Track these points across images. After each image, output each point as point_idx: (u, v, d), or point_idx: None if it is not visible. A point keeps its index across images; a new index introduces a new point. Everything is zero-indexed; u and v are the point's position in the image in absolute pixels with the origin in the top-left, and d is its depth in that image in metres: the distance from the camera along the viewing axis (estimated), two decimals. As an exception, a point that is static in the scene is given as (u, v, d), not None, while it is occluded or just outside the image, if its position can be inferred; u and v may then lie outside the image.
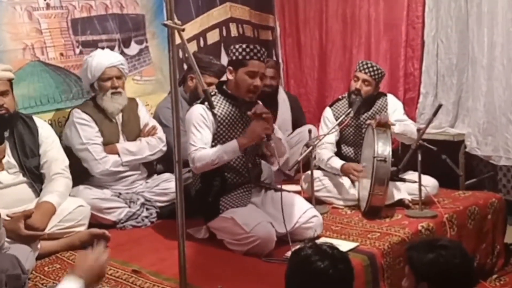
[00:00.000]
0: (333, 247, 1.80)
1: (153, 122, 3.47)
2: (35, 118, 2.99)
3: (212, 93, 2.87)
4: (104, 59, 3.23)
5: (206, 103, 2.82)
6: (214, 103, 2.82)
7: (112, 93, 3.23)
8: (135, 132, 3.39)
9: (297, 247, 1.86)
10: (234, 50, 2.84)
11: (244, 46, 2.83)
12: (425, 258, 1.84)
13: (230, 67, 2.85)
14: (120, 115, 3.34)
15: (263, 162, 3.09)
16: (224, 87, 2.89)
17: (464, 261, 1.85)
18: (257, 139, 2.73)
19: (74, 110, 3.24)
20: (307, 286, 1.74)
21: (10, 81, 2.83)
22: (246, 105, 2.86)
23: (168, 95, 3.64)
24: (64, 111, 3.39)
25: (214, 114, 2.81)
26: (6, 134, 2.81)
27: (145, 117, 3.46)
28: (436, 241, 1.94)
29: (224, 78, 3.17)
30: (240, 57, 2.80)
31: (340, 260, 1.75)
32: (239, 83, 2.81)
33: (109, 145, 3.26)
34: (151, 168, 3.51)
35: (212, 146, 2.79)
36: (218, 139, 2.82)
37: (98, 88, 3.25)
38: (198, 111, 2.80)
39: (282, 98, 4.15)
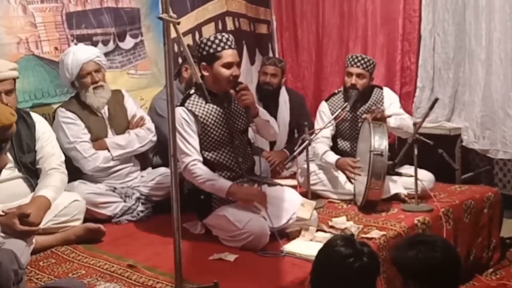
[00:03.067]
0: (363, 244, 1.80)
1: (141, 113, 3.44)
2: (32, 113, 2.98)
3: (191, 93, 2.82)
4: (79, 55, 3.16)
5: (186, 104, 2.77)
6: (194, 104, 2.77)
7: (94, 88, 3.18)
8: (123, 125, 3.36)
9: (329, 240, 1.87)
10: (202, 45, 2.75)
11: (211, 38, 2.75)
12: (406, 256, 1.83)
13: (204, 63, 2.76)
14: (106, 108, 3.30)
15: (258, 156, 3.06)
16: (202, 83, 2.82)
17: (446, 253, 1.82)
18: (246, 203, 2.68)
19: (59, 110, 3.20)
20: (331, 274, 1.73)
21: (14, 80, 2.83)
22: (227, 99, 2.84)
23: (164, 88, 3.63)
24: (58, 105, 3.37)
25: (195, 116, 2.76)
26: None
27: (132, 108, 3.42)
28: (415, 237, 1.94)
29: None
30: (211, 50, 2.73)
31: (366, 254, 1.74)
32: (217, 77, 2.75)
33: (98, 140, 3.23)
34: (144, 160, 3.49)
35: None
36: (203, 139, 2.78)
37: (79, 85, 3.20)
38: (180, 114, 2.72)
39: (284, 99, 4.05)
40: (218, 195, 2.76)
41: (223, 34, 2.79)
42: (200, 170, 2.72)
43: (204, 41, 2.76)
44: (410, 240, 1.90)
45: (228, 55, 2.73)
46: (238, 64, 2.80)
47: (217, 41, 2.73)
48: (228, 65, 2.73)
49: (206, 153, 2.80)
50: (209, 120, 2.79)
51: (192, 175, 2.73)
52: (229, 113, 2.84)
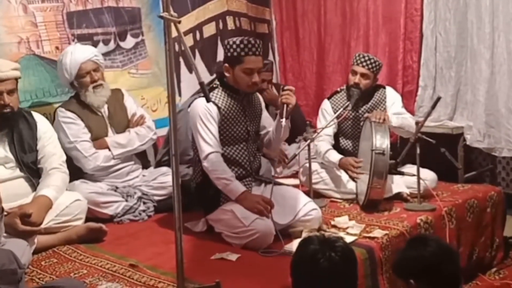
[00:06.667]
0: (339, 239, 1.81)
1: (141, 111, 3.44)
2: (33, 113, 2.99)
3: (215, 86, 2.85)
4: (77, 55, 3.15)
5: (209, 96, 2.78)
6: (217, 96, 2.81)
7: (94, 87, 3.19)
8: (123, 124, 3.36)
9: (306, 236, 1.87)
10: (228, 46, 2.77)
11: (238, 41, 2.76)
12: (402, 257, 1.84)
13: (226, 64, 2.80)
14: (106, 107, 3.31)
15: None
16: (226, 80, 2.85)
17: (439, 248, 1.84)
18: (250, 209, 2.67)
19: (59, 110, 3.20)
20: (309, 273, 1.74)
21: (16, 79, 2.83)
22: (248, 98, 2.87)
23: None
24: (59, 105, 3.36)
25: (218, 108, 2.78)
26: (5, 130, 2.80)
27: (132, 107, 3.42)
28: (415, 239, 1.95)
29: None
30: (235, 53, 2.74)
31: (344, 251, 1.75)
32: (237, 80, 2.78)
33: (98, 139, 3.23)
34: (144, 159, 3.49)
35: None
36: (221, 133, 2.80)
37: (78, 85, 3.20)
38: (204, 104, 2.74)
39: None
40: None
41: (252, 39, 2.79)
42: (219, 165, 2.73)
43: (231, 42, 2.77)
44: (409, 241, 1.91)
45: (251, 61, 2.74)
46: (260, 71, 2.80)
47: (242, 45, 2.73)
48: (248, 71, 2.75)
49: (222, 147, 2.81)
50: (230, 114, 2.81)
51: (210, 167, 2.73)
52: (248, 112, 2.87)
